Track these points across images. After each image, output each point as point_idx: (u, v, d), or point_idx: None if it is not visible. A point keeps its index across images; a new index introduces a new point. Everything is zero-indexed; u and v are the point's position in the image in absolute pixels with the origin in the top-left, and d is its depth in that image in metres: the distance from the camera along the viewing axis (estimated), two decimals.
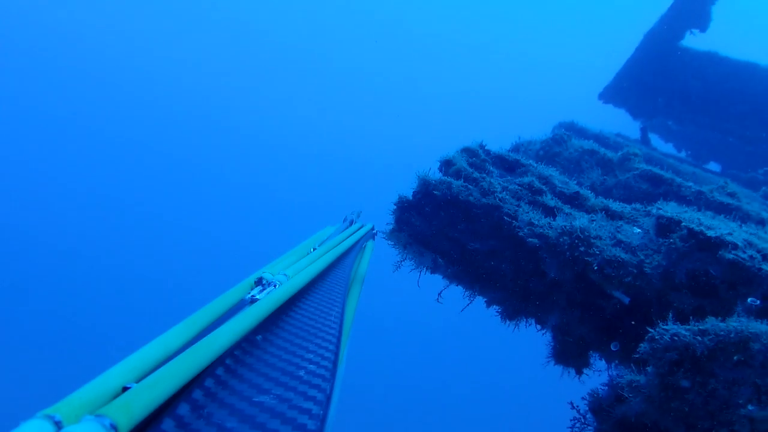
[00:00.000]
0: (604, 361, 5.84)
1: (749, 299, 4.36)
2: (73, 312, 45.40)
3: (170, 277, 53.13)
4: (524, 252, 5.57)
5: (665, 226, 5.00)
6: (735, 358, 3.61)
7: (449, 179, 5.95)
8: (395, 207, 6.18)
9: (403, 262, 6.29)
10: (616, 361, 5.60)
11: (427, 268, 6.31)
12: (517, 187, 5.97)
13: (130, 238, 61.45)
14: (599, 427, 5.01)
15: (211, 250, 60.28)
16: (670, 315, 3.95)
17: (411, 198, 6.12)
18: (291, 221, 58.33)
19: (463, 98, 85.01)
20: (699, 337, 3.72)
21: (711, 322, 3.78)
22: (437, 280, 6.27)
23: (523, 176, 6.20)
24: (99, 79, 74.97)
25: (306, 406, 1.57)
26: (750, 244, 4.69)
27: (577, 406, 5.24)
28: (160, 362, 1.48)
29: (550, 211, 5.76)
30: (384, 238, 6.18)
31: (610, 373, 5.72)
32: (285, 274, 2.42)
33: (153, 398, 1.26)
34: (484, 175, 6.07)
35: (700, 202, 7.29)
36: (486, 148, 6.73)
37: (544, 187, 5.99)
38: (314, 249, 3.20)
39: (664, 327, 3.88)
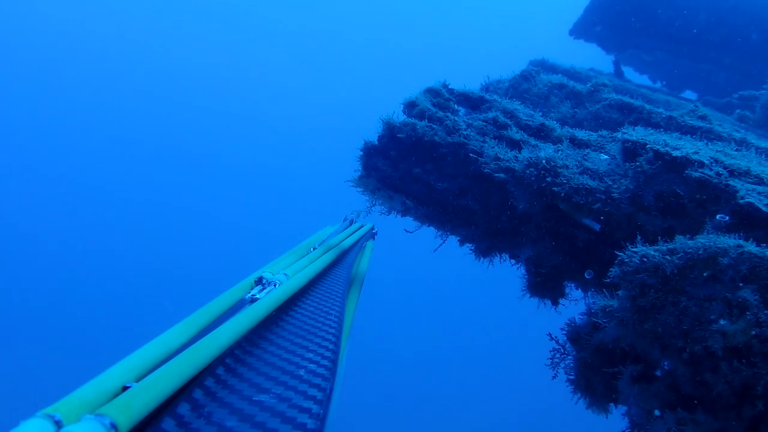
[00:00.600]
0: (580, 290, 5.82)
1: (718, 216, 4.35)
2: (73, 311, 45.14)
3: (170, 276, 52.66)
4: (492, 187, 5.54)
5: (631, 150, 4.97)
6: (705, 274, 3.61)
7: (413, 121, 5.87)
8: (361, 153, 6.11)
9: (373, 208, 6.22)
10: (592, 290, 5.60)
11: (397, 212, 6.26)
12: (481, 123, 5.91)
13: (130, 238, 60.83)
14: (578, 355, 5.03)
15: (211, 250, 59.85)
16: (639, 237, 3.92)
17: (377, 143, 6.05)
18: (291, 221, 57.96)
19: (434, 47, 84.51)
20: (668, 257, 3.72)
21: (679, 241, 3.77)
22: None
23: (488, 112, 6.14)
24: (98, 75, 73.21)
25: (306, 405, 1.57)
26: (716, 161, 4.67)
27: (556, 337, 5.24)
28: (160, 361, 1.48)
29: (516, 145, 5.71)
30: (352, 186, 6.11)
31: (586, 301, 5.71)
32: (285, 274, 2.42)
33: (153, 397, 1.26)
34: (449, 114, 6.00)
35: (671, 127, 7.25)
36: (449, 87, 6.65)
37: (509, 121, 5.94)
38: (314, 249, 3.18)
39: (633, 249, 3.88)
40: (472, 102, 6.54)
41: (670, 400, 4.11)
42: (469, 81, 7.31)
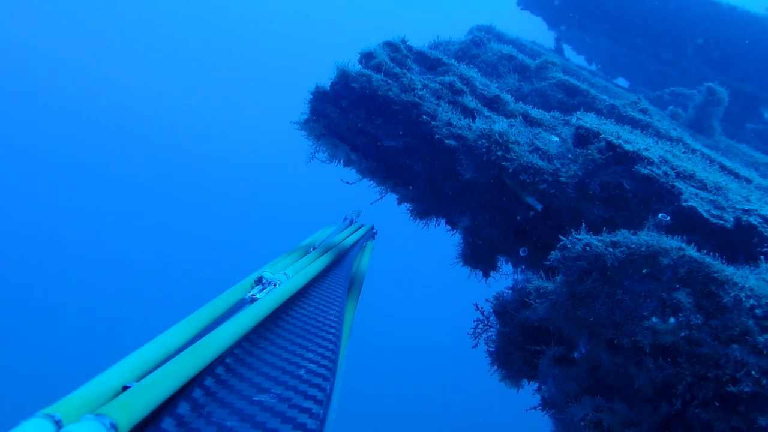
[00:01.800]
0: (511, 266, 5.89)
1: (660, 215, 4.42)
2: (73, 312, 44.03)
3: (170, 276, 51.72)
4: (440, 152, 5.52)
5: (584, 137, 5.01)
6: (644, 271, 3.66)
7: (369, 72, 5.79)
8: (311, 96, 6.01)
9: (316, 154, 6.15)
10: (523, 266, 5.67)
11: (339, 161, 6.20)
12: (438, 86, 5.87)
13: (130, 238, 59.62)
14: (502, 329, 5.09)
15: (211, 250, 58.95)
16: (583, 225, 3.96)
17: (328, 89, 5.95)
18: (291, 221, 57.01)
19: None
20: (611, 249, 3.77)
21: (623, 235, 3.82)
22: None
23: (445, 75, 6.10)
24: (98, 75, 71.76)
25: (306, 405, 1.57)
26: (665, 161, 4.75)
27: (482, 308, 5.30)
28: (160, 361, 1.47)
29: (469, 113, 5.70)
30: (297, 128, 6.02)
31: (515, 277, 5.78)
32: (285, 274, 2.41)
33: (153, 397, 1.25)
34: (405, 71, 5.94)
35: (613, 115, 7.34)
36: (408, 44, 6.57)
37: (465, 88, 5.91)
38: (314, 248, 3.17)
39: (577, 236, 3.91)
40: (429, 63, 6.48)
41: (589, 385, 4.22)
42: (416, 39, 7.26)
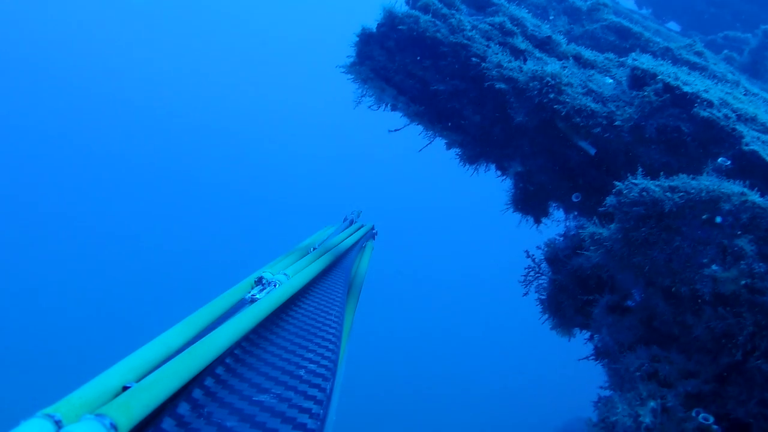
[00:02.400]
0: (563, 212, 5.78)
1: (720, 159, 4.27)
2: (73, 312, 44.49)
3: (170, 276, 51.86)
4: (490, 95, 5.37)
5: (640, 78, 4.82)
6: (704, 217, 3.53)
7: (417, 13, 5.62)
8: (357, 39, 5.87)
9: (362, 98, 6.03)
10: (576, 213, 5.55)
11: (386, 106, 6.07)
12: (487, 26, 5.69)
13: (130, 238, 59.91)
14: (553, 276, 4.99)
15: (211, 250, 58.96)
16: (640, 170, 3.83)
17: (374, 31, 5.81)
18: (291, 221, 56.61)
19: None
20: (669, 194, 3.64)
21: (682, 179, 3.68)
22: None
23: (494, 16, 5.92)
24: (98, 75, 70.76)
25: (306, 405, 1.57)
26: (725, 103, 4.57)
27: (533, 255, 5.20)
28: (160, 361, 1.47)
29: (520, 55, 5.52)
30: (343, 72, 5.90)
31: (567, 224, 5.67)
32: (285, 274, 2.40)
33: (153, 397, 1.25)
34: (454, 11, 5.76)
35: (667, 58, 7.08)
36: None
37: (515, 29, 5.72)
38: (314, 249, 3.15)
39: (634, 181, 3.78)
40: (478, 3, 6.27)
41: (644, 334, 4.12)
42: None
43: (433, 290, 55.37)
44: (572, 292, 4.81)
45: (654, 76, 4.70)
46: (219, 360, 1.68)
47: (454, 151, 6.03)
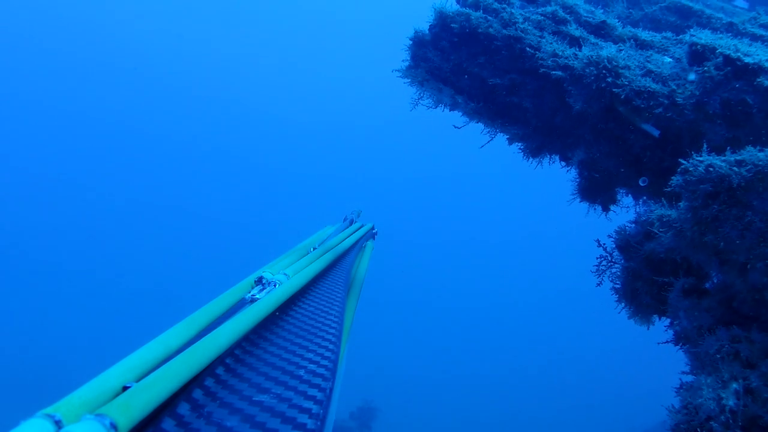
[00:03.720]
0: (631, 198, 5.66)
1: None
2: (73, 311, 45.74)
3: (171, 276, 52.93)
4: (548, 85, 5.30)
5: (699, 54, 4.67)
6: None
7: (467, 10, 5.59)
8: (411, 42, 5.87)
9: (420, 100, 6.01)
10: (645, 197, 5.42)
11: (445, 106, 6.05)
12: (539, 17, 5.61)
13: (130, 238, 61.44)
14: (626, 264, 4.88)
15: (211, 250, 59.85)
16: (705, 146, 3.70)
17: (427, 32, 5.80)
18: (291, 221, 56.72)
19: None
20: (736, 168, 3.49)
21: (749, 152, 3.54)
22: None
23: (546, 5, 5.83)
24: (99, 74, 72.40)
25: (306, 405, 1.57)
26: None
27: (604, 244, 5.09)
28: (160, 361, 1.46)
29: (575, 42, 5.43)
30: (400, 76, 5.89)
31: (637, 209, 5.55)
32: (285, 274, 2.40)
33: (153, 397, 1.25)
34: (505, 5, 5.70)
35: (731, 33, 6.91)
36: None
37: (568, 17, 5.63)
38: (314, 248, 3.15)
39: (698, 158, 3.64)
40: None
41: (722, 316, 4.00)
42: None
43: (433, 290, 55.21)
44: (647, 278, 4.68)
45: (713, 50, 4.55)
46: (219, 360, 1.68)
47: (516, 146, 5.97)
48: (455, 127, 6.17)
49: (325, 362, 1.87)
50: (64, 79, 70.76)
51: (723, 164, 3.53)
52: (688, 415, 3.56)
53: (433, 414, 34.19)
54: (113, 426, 1.06)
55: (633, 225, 4.98)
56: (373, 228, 4.63)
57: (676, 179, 3.73)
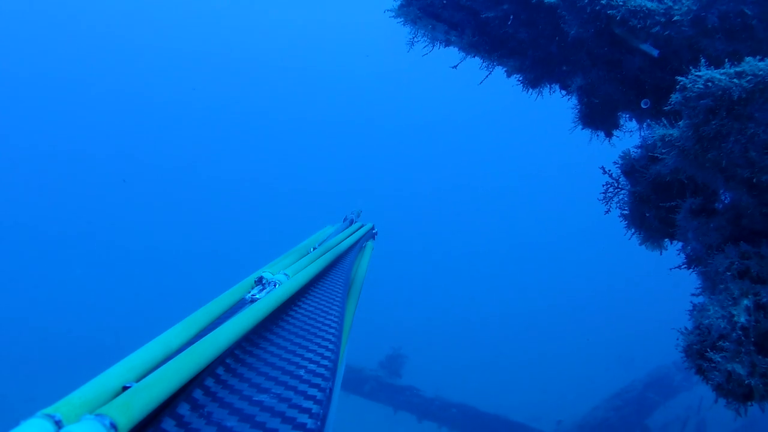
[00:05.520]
0: (635, 122, 5.57)
1: None
2: (73, 311, 45.27)
3: (171, 276, 52.53)
4: (541, 13, 5.20)
5: None
6: None
7: None
8: None
9: (415, 39, 5.91)
10: (648, 120, 5.32)
11: (440, 43, 5.94)
12: None
13: (130, 238, 60.91)
14: (633, 189, 4.82)
15: (211, 250, 59.28)
16: (703, 61, 3.59)
17: None
18: (291, 221, 55.62)
19: None
20: (736, 80, 3.40)
21: (749, 63, 3.43)
22: None
23: None
24: (95, 75, 71.45)
25: (306, 405, 1.57)
26: None
27: (609, 171, 5.02)
28: (160, 361, 1.46)
29: None
30: (393, 16, 5.78)
31: (642, 133, 5.46)
32: (285, 274, 2.40)
33: (153, 397, 1.25)
34: None
35: None
36: None
37: None
38: (314, 248, 3.15)
39: (697, 73, 3.54)
40: None
41: (732, 234, 3.93)
42: None
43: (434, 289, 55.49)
44: (654, 201, 4.63)
45: None
46: (219, 360, 1.69)
47: (515, 78, 5.88)
48: (452, 67, 6.08)
49: (325, 362, 1.88)
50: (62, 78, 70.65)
51: (723, 77, 3.44)
52: (701, 335, 3.51)
53: (459, 357, 34.43)
54: (113, 426, 1.06)
55: (638, 149, 4.90)
56: (373, 228, 4.65)
57: (675, 96, 3.65)
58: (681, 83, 3.60)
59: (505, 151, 68.98)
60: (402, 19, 5.80)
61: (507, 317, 44.00)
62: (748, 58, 3.46)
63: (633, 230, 4.95)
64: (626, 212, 4.96)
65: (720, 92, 3.40)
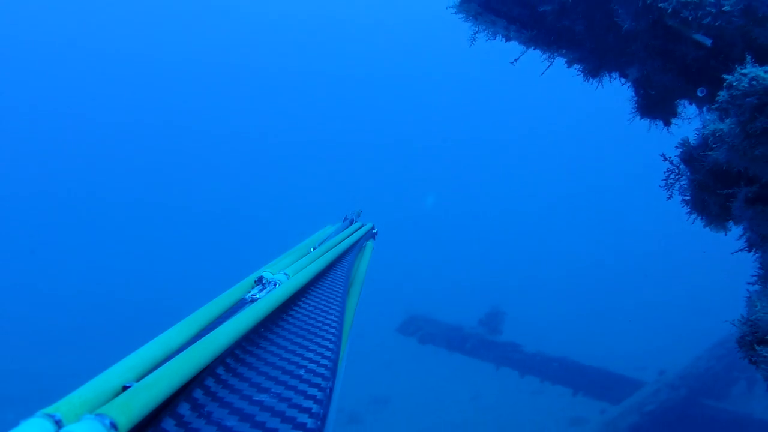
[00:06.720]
0: (695, 107, 5.60)
1: None
2: (73, 311, 45.69)
3: (171, 275, 52.52)
4: (596, 6, 5.26)
5: None
6: None
7: None
8: None
9: (477, 34, 6.03)
10: (707, 106, 5.35)
11: (501, 37, 6.05)
12: None
13: (130, 237, 61.66)
14: (692, 176, 4.88)
15: (211, 249, 59.21)
16: (748, 58, 3.66)
17: None
18: (291, 221, 53.81)
19: None
20: None
21: None
22: None
23: None
24: (94, 75, 72.13)
25: (306, 404, 1.56)
26: None
27: (670, 157, 5.08)
28: (160, 361, 1.47)
29: None
30: (453, 12, 5.91)
31: (702, 118, 5.48)
32: (285, 274, 2.40)
33: (153, 397, 1.26)
34: None
35: None
36: None
37: None
38: (314, 248, 3.16)
39: (743, 71, 3.61)
40: None
41: None
42: None
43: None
44: (712, 189, 4.68)
45: None
46: (219, 360, 1.69)
47: (576, 68, 5.96)
48: (511, 62, 6.17)
49: (325, 362, 1.87)
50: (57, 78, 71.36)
51: (767, 75, 3.51)
52: (752, 328, 3.62)
53: (559, 311, 34.18)
54: (113, 425, 1.07)
55: (697, 136, 4.94)
56: (373, 228, 4.62)
57: (722, 95, 3.72)
58: (727, 81, 3.68)
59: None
60: (463, 15, 5.92)
61: (605, 268, 43.48)
62: None
63: (695, 215, 5.02)
64: (687, 198, 5.02)
65: (764, 90, 3.48)
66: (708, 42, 4.65)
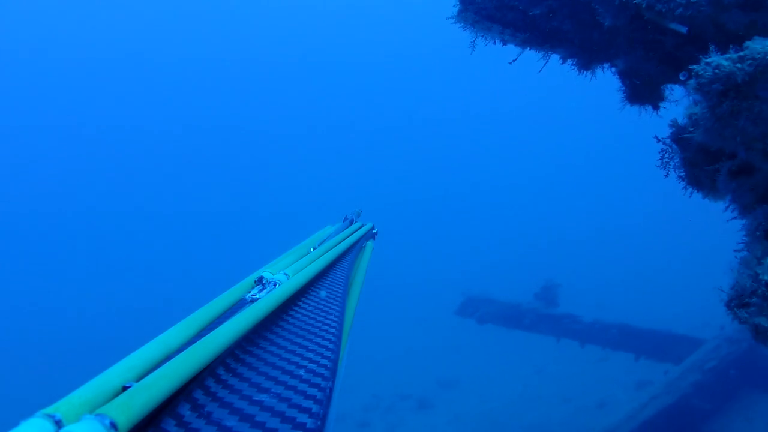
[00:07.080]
0: (683, 89, 5.87)
1: None
2: (73, 311, 45.83)
3: (171, 275, 52.21)
4: (580, 6, 5.60)
5: None
6: None
7: None
8: None
9: (475, 42, 6.40)
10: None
11: (499, 41, 6.41)
12: None
13: (130, 237, 61.55)
14: (683, 154, 5.18)
15: (211, 250, 58.63)
16: (712, 48, 3.99)
17: None
18: (291, 221, 53.44)
19: None
20: (739, 65, 3.78)
21: (748, 48, 3.81)
22: None
23: None
24: (93, 75, 72.99)
25: (306, 404, 1.56)
26: None
27: (663, 138, 5.38)
28: (160, 361, 1.47)
29: None
30: (453, 22, 6.27)
31: (691, 98, 5.76)
32: (285, 274, 2.39)
33: (153, 397, 1.25)
34: None
35: None
36: None
37: None
38: (314, 248, 3.14)
39: (707, 61, 3.93)
40: None
41: (765, 193, 4.30)
42: None
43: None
44: (701, 165, 4.98)
45: None
46: (219, 360, 1.69)
47: (570, 62, 6.29)
48: (510, 63, 6.51)
49: (325, 362, 1.87)
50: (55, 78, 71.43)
51: (727, 63, 3.82)
52: (737, 292, 3.95)
53: (614, 277, 33.66)
54: (113, 426, 1.06)
55: (685, 117, 5.24)
56: (373, 228, 4.54)
57: (691, 83, 4.05)
58: (694, 70, 4.02)
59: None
60: (462, 24, 6.30)
61: (654, 227, 42.85)
62: (746, 43, 3.85)
63: (690, 189, 5.31)
64: (682, 174, 5.31)
65: (727, 77, 3.81)
66: (684, 30, 4.94)
